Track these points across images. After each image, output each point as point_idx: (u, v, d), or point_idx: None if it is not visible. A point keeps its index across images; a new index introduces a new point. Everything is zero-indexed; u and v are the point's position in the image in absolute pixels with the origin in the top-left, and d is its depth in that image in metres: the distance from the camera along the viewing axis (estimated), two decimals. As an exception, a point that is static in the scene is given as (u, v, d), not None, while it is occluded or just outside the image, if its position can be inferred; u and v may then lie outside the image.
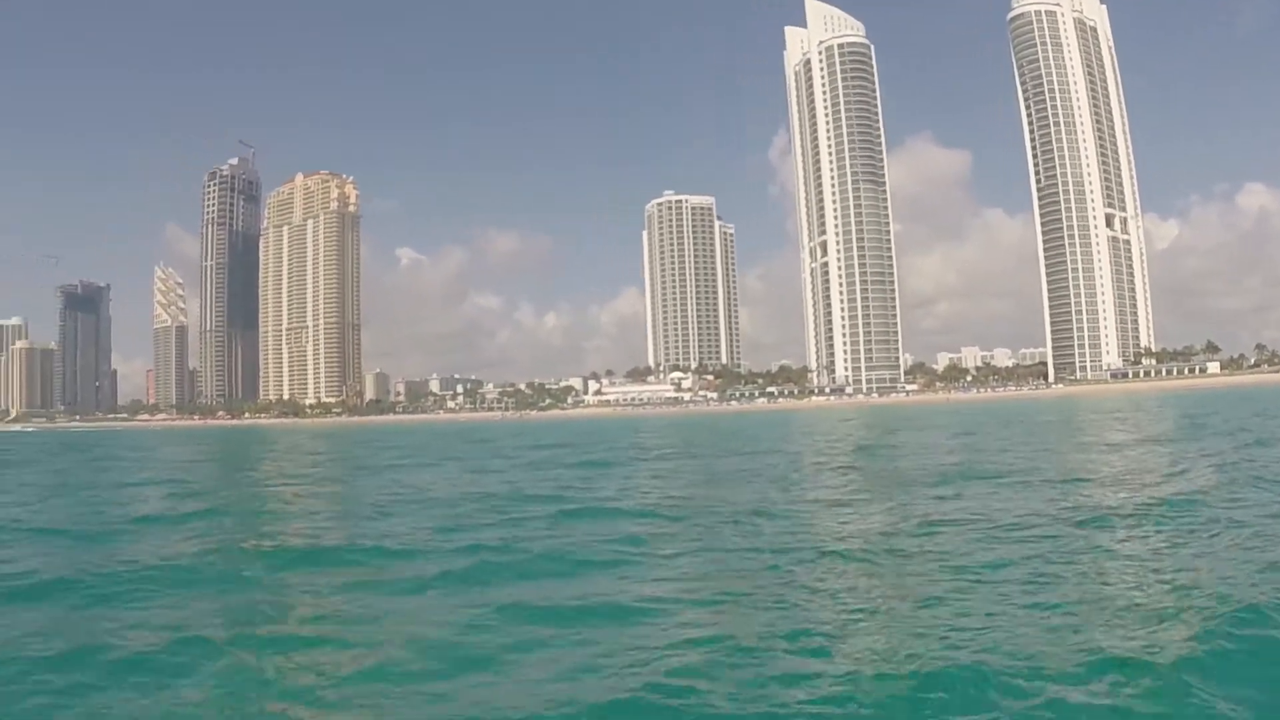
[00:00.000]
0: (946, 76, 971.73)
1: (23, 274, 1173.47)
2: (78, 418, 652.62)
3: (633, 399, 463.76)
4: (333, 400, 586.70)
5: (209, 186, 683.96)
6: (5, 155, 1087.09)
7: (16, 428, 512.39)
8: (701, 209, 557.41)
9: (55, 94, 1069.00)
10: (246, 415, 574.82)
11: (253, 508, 46.37)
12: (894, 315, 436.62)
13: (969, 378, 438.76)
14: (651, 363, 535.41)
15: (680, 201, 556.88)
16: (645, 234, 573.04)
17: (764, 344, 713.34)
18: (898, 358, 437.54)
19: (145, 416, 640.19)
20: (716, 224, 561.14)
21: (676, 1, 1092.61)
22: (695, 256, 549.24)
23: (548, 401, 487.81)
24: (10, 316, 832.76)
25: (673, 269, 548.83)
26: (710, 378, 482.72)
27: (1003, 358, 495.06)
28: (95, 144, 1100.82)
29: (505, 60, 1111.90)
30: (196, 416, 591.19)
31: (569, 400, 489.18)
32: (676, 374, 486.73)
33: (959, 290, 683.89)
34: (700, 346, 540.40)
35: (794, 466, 61.13)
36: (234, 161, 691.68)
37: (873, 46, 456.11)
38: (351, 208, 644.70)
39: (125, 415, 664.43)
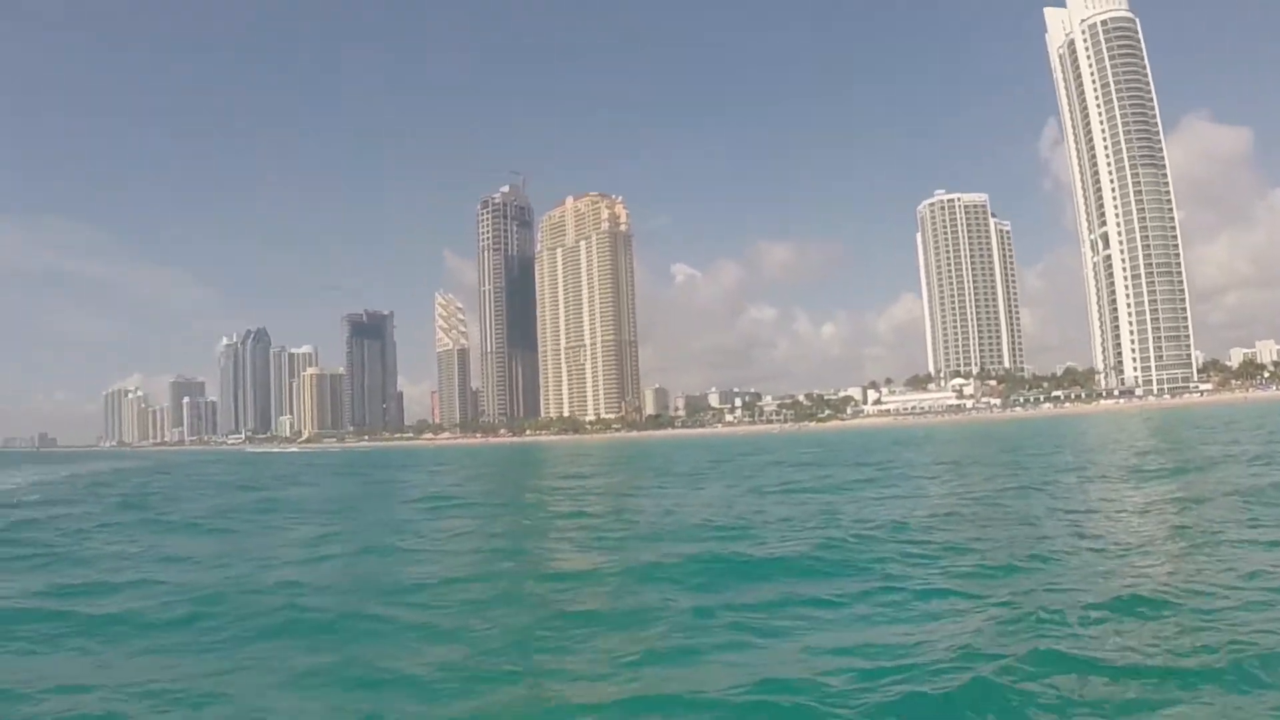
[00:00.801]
0: (1218, 47, 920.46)
1: (312, 305, 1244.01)
2: (366, 438, 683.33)
3: (913, 408, 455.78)
4: (612, 416, 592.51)
5: (483, 214, 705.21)
6: (295, 195, 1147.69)
7: (294, 449, 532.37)
8: (975, 207, 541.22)
9: (333, 131, 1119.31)
10: (528, 432, 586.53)
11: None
12: (1183, 308, 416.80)
13: (1266, 374, 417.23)
14: (931, 369, 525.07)
15: (952, 200, 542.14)
16: (919, 236, 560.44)
17: (1048, 345, 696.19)
18: (1189, 355, 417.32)
19: (429, 435, 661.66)
20: (991, 221, 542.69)
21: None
22: (971, 257, 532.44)
23: (826, 413, 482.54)
24: (301, 345, 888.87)
25: (949, 271, 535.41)
26: (993, 383, 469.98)
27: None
28: (374, 180, 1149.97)
29: (767, 69, 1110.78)
30: (479, 435, 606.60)
31: (848, 411, 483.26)
32: (957, 380, 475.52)
33: (1249, 279, 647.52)
34: (981, 351, 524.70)
35: (1080, 493, 51.09)
36: (505, 189, 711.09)
37: (1138, 19, 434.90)
38: (623, 227, 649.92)
39: (411, 434, 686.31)
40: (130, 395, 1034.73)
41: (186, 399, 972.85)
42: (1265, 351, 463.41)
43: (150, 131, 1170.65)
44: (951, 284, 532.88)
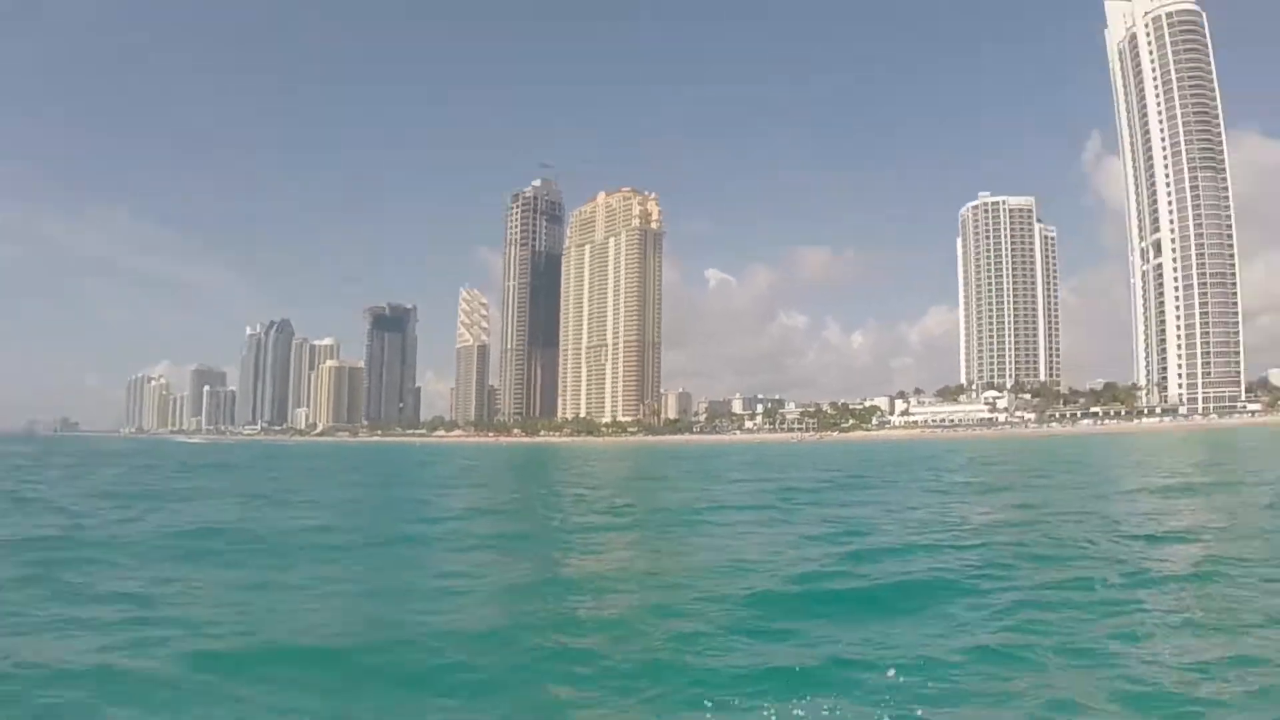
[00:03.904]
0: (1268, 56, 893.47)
1: (340, 298, 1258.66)
2: (379, 433, 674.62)
3: (942, 420, 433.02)
4: (628, 419, 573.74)
5: (512, 208, 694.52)
6: (326, 191, 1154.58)
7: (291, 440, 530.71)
8: (1021, 211, 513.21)
9: (363, 120, 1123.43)
10: (541, 433, 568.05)
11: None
12: (1235, 324, 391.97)
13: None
14: (963, 380, 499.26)
15: (998, 203, 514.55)
16: (959, 240, 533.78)
17: (1079, 363, 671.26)
18: (1238, 373, 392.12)
19: (441, 433, 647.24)
20: (1036, 227, 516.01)
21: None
22: (1013, 264, 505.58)
23: (850, 422, 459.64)
24: (323, 337, 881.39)
25: (989, 277, 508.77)
26: (1027, 397, 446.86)
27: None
28: (402, 172, 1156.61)
29: (807, 68, 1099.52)
30: (491, 434, 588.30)
31: (874, 421, 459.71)
32: (990, 392, 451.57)
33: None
34: (1017, 363, 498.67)
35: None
36: (536, 183, 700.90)
37: (1205, 14, 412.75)
38: (654, 224, 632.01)
39: (424, 431, 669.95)
40: (153, 382, 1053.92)
41: (207, 388, 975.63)
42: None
43: (190, 125, 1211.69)
44: (990, 291, 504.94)
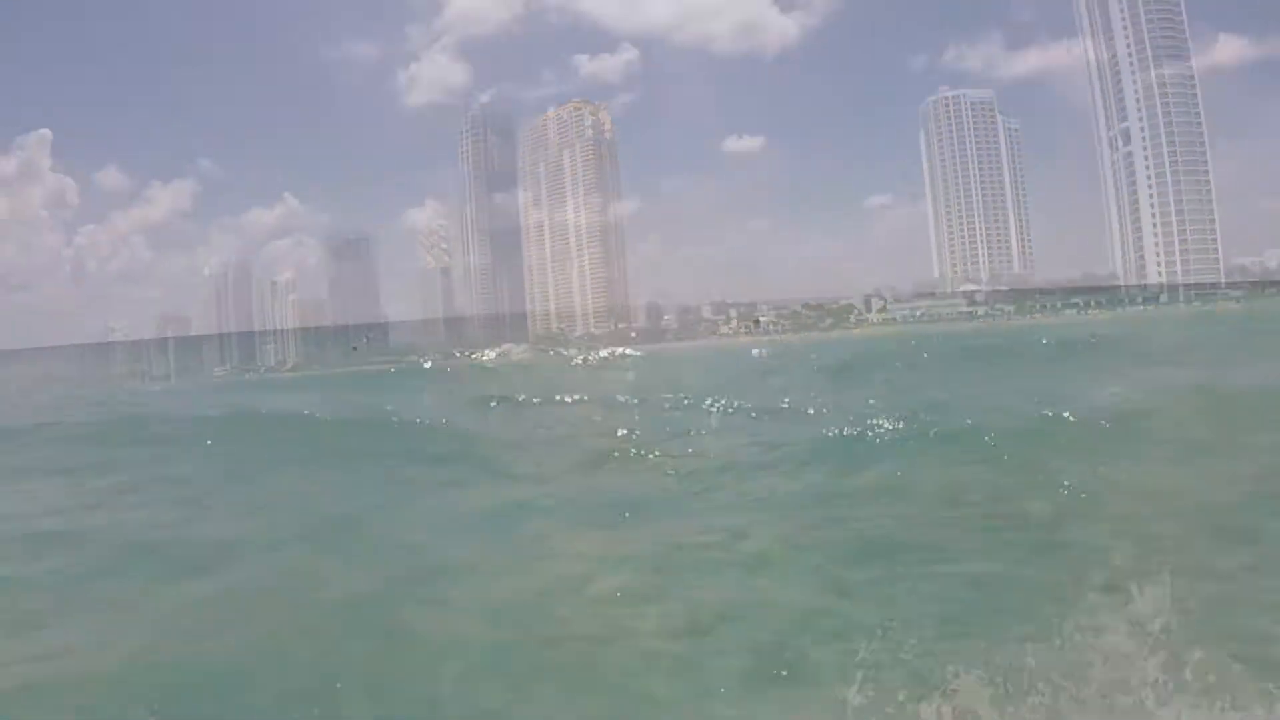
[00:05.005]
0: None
1: (284, 232, 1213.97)
2: (352, 366, 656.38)
3: (922, 315, 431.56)
4: (601, 332, 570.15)
5: (462, 128, 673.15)
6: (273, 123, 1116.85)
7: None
8: (982, 105, 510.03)
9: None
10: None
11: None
12: (1210, 209, 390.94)
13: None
14: (936, 275, 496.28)
15: (959, 97, 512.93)
16: (922, 134, 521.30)
17: (1048, 257, 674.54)
18: (1217, 258, 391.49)
19: (414, 357, 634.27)
20: (999, 120, 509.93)
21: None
22: (979, 158, 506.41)
23: (829, 322, 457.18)
24: (281, 273, 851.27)
25: (954, 172, 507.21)
26: (1004, 289, 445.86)
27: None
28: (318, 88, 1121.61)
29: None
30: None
31: (851, 320, 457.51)
32: (968, 286, 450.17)
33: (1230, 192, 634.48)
34: (990, 256, 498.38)
35: None
36: (484, 99, 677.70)
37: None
38: (607, 134, 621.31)
39: (395, 358, 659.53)
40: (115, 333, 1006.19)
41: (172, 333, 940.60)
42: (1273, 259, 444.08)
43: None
44: (959, 185, 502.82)
